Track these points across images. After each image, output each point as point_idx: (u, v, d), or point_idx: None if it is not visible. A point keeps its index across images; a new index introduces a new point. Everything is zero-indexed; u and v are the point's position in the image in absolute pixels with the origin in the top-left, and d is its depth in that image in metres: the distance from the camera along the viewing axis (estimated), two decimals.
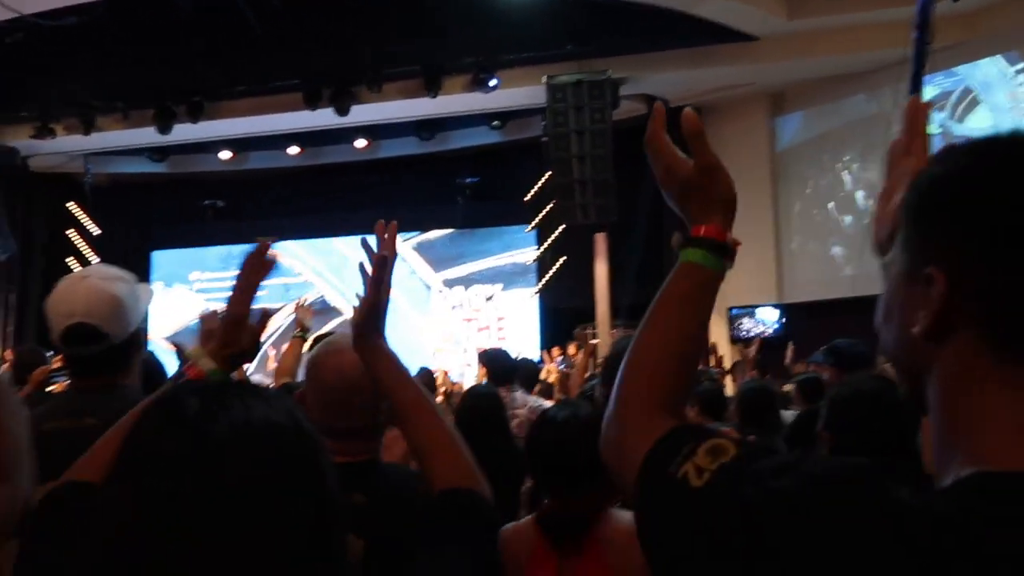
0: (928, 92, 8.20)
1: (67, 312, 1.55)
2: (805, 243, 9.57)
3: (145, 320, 1.74)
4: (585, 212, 8.50)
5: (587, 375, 4.79)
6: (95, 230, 11.30)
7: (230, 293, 1.31)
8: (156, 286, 11.47)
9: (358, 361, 1.33)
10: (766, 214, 9.60)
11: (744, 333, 9.44)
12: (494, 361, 4.12)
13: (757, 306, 9.48)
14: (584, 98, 8.40)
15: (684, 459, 0.67)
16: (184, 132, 9.61)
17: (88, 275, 1.61)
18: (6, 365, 6.18)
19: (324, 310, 11.70)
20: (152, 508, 0.64)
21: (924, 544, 0.53)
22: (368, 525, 1.15)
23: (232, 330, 1.25)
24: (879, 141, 6.56)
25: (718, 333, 9.64)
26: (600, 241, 9.63)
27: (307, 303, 3.47)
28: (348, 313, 11.82)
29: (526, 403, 3.96)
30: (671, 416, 0.78)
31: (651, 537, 0.70)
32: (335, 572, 0.70)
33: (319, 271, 12.06)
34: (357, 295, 1.35)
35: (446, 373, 6.84)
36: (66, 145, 10.15)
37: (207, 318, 1.72)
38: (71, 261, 11.18)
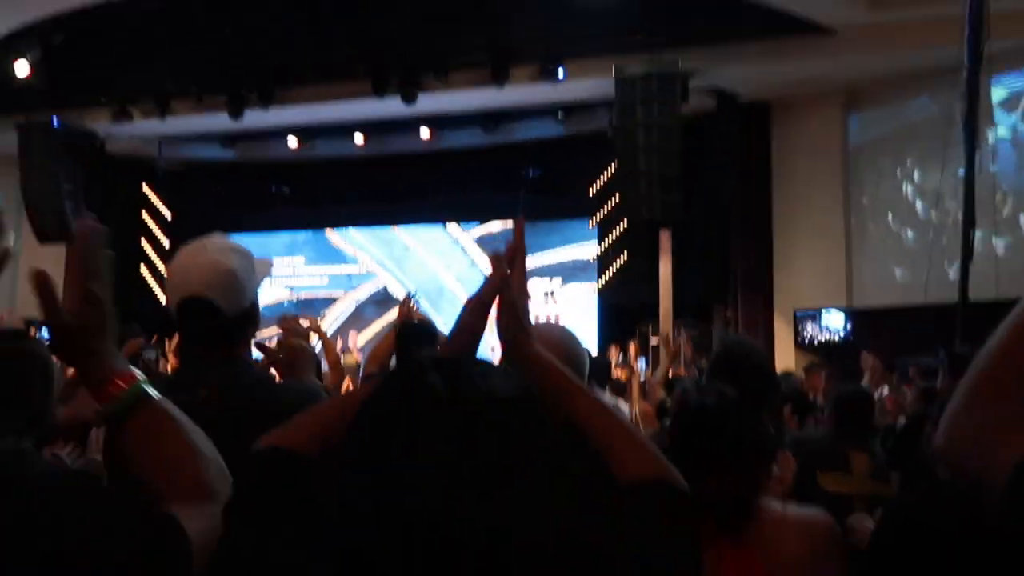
0: (997, 93, 7.83)
1: (183, 285, 1.53)
2: (876, 246, 9.21)
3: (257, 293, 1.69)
4: (651, 207, 8.36)
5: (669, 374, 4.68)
6: (167, 214, 11.63)
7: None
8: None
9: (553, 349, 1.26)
10: (836, 214, 9.29)
11: (807, 339, 9.17)
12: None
13: (824, 309, 9.18)
14: (653, 91, 8.26)
15: None
16: (254, 118, 9.81)
17: (205, 247, 1.57)
18: None
19: (385, 300, 11.82)
20: (392, 483, 0.63)
21: None
22: None
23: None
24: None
25: (782, 336, 9.39)
26: (664, 237, 9.47)
27: (410, 302, 3.48)
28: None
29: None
30: None
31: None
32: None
33: (380, 260, 12.18)
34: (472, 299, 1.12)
35: None
36: (142, 129, 10.46)
37: (286, 321, 1.69)
38: (144, 243, 11.55)
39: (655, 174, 8.31)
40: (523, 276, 1.13)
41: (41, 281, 0.90)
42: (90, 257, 0.96)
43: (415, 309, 3.44)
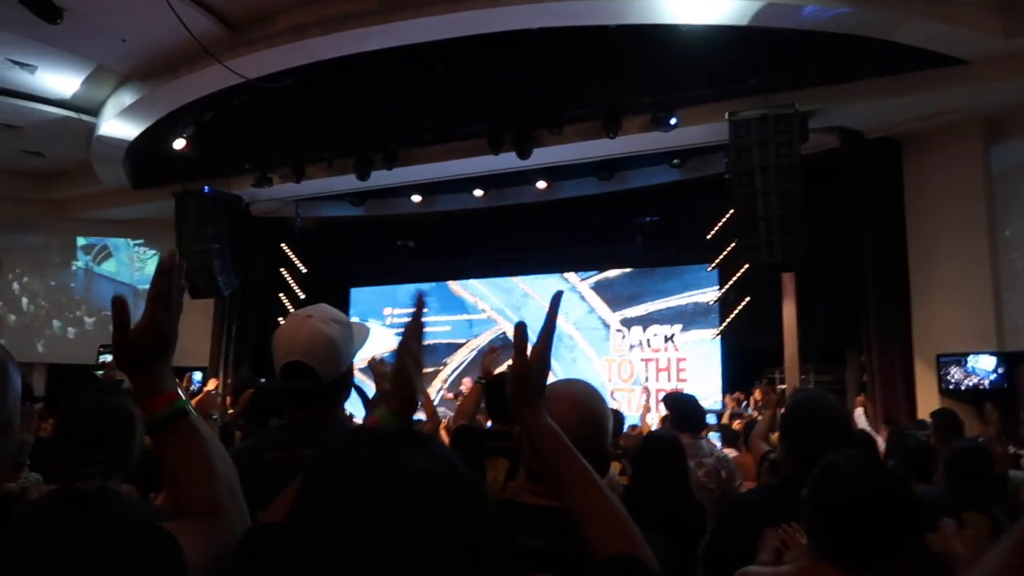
0: None
1: (287, 350, 1.69)
2: None
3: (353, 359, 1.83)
4: (771, 250, 8.10)
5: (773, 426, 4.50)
6: (303, 268, 12.41)
7: (397, 347, 1.36)
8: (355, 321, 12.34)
9: (572, 408, 1.36)
10: (981, 250, 8.64)
11: (952, 385, 8.50)
12: (679, 406, 3.95)
13: (970, 353, 8.50)
14: (769, 133, 8.08)
15: None
16: (380, 178, 10.39)
17: (310, 315, 1.72)
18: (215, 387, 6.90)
19: (506, 346, 11.99)
20: (320, 552, 0.68)
21: None
22: None
23: (399, 381, 1.31)
24: None
25: (926, 383, 8.77)
26: (788, 280, 9.15)
27: (496, 352, 3.55)
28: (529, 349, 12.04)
29: (713, 452, 3.76)
30: None
31: None
32: None
33: (500, 308, 12.43)
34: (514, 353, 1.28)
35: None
36: (280, 192, 11.32)
37: (376, 364, 1.82)
38: (282, 296, 12.35)
39: (774, 216, 8.07)
40: (546, 347, 1.23)
41: (118, 306, 1.06)
42: (165, 287, 1.09)
43: (497, 356, 3.48)
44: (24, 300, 13.65)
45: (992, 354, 8.44)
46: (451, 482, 0.73)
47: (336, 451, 0.77)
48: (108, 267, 13.86)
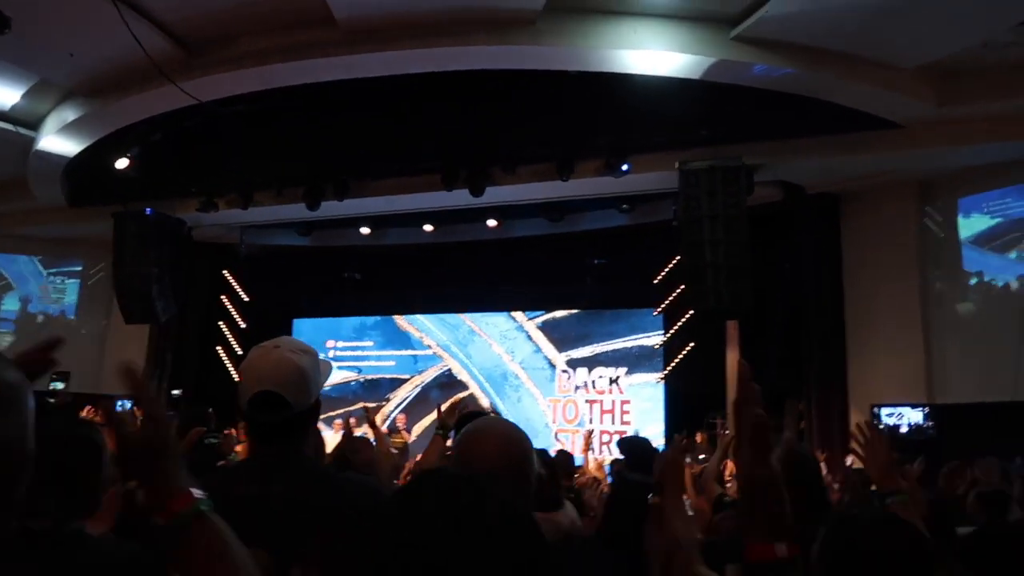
0: None
1: (256, 379, 1.64)
2: (959, 341, 8.87)
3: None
4: (718, 297, 8.28)
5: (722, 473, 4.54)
6: (245, 297, 12.11)
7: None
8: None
9: (500, 446, 1.38)
10: (912, 304, 9.04)
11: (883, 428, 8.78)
12: (633, 448, 3.97)
13: (903, 405, 8.82)
14: (718, 183, 8.32)
15: None
16: (330, 208, 10.25)
17: (278, 346, 1.69)
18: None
19: (450, 383, 11.92)
20: None
21: None
22: None
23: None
24: None
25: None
26: (731, 327, 9.36)
27: (458, 403, 3.50)
28: (473, 387, 11.98)
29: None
30: None
31: None
32: None
33: (446, 344, 12.34)
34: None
35: (600, 464, 6.60)
36: (226, 218, 11.05)
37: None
38: (222, 325, 12.01)
39: (722, 265, 8.28)
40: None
41: (110, 412, 1.01)
42: (144, 402, 1.04)
43: (455, 409, 3.42)
44: None
45: (922, 407, 8.77)
46: (514, 523, 0.72)
47: (403, 495, 0.75)
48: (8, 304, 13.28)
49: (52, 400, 4.19)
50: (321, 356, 1.81)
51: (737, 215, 8.28)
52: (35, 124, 10.08)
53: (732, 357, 9.34)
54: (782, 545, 1.02)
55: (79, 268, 13.43)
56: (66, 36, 7.93)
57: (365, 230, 11.40)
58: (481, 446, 1.41)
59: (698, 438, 8.52)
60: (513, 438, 1.43)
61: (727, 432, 6.69)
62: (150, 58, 7.59)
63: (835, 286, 9.41)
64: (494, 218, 10.71)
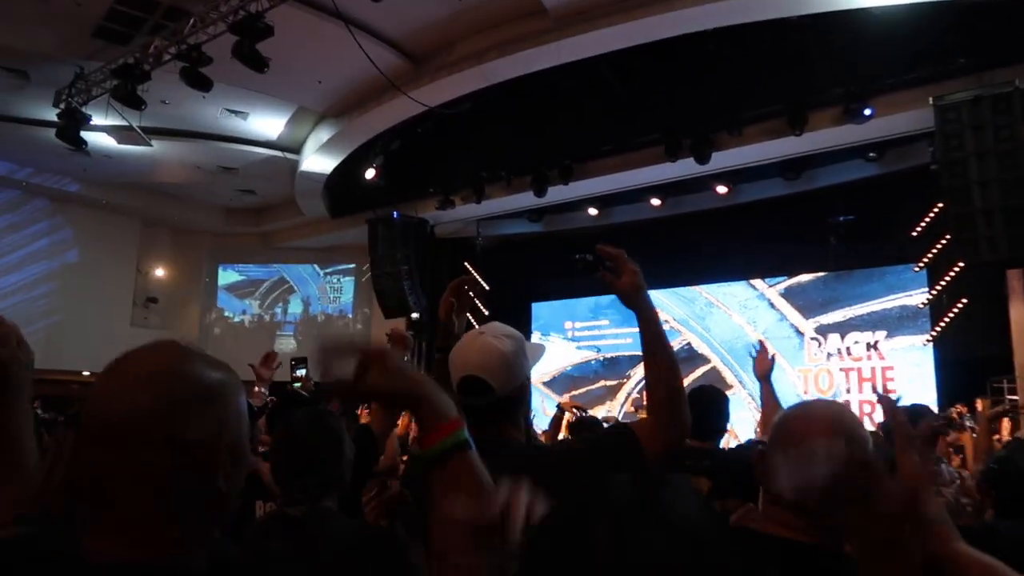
0: None
1: (462, 365, 1.72)
2: None
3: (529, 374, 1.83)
4: (992, 246, 7.24)
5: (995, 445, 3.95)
6: (485, 286, 12.77)
7: None
8: (535, 336, 12.54)
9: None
10: None
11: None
12: (914, 418, 3.48)
13: None
14: (985, 115, 7.26)
15: None
16: (557, 193, 10.49)
17: (483, 332, 1.75)
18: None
19: (690, 356, 11.67)
20: None
21: None
22: None
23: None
24: None
25: None
26: (1014, 278, 8.14)
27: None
28: (714, 360, 11.62)
29: (954, 480, 3.31)
30: None
31: None
32: None
33: (683, 319, 12.09)
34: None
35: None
36: (463, 213, 11.76)
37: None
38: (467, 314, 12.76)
39: (995, 208, 7.22)
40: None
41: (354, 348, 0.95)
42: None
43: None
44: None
45: None
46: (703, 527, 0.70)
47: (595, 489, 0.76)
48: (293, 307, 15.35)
49: (298, 385, 4.75)
50: (534, 340, 1.83)
51: (1013, 149, 7.16)
52: (297, 148, 11.45)
53: (1017, 312, 8.12)
54: None
55: (352, 266, 15.11)
56: (313, 66, 8.88)
57: (593, 211, 11.50)
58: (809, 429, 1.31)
59: (978, 405, 7.53)
60: (844, 419, 1.34)
61: (1012, 399, 5.86)
62: (383, 73, 8.24)
63: None
64: (723, 184, 10.26)
